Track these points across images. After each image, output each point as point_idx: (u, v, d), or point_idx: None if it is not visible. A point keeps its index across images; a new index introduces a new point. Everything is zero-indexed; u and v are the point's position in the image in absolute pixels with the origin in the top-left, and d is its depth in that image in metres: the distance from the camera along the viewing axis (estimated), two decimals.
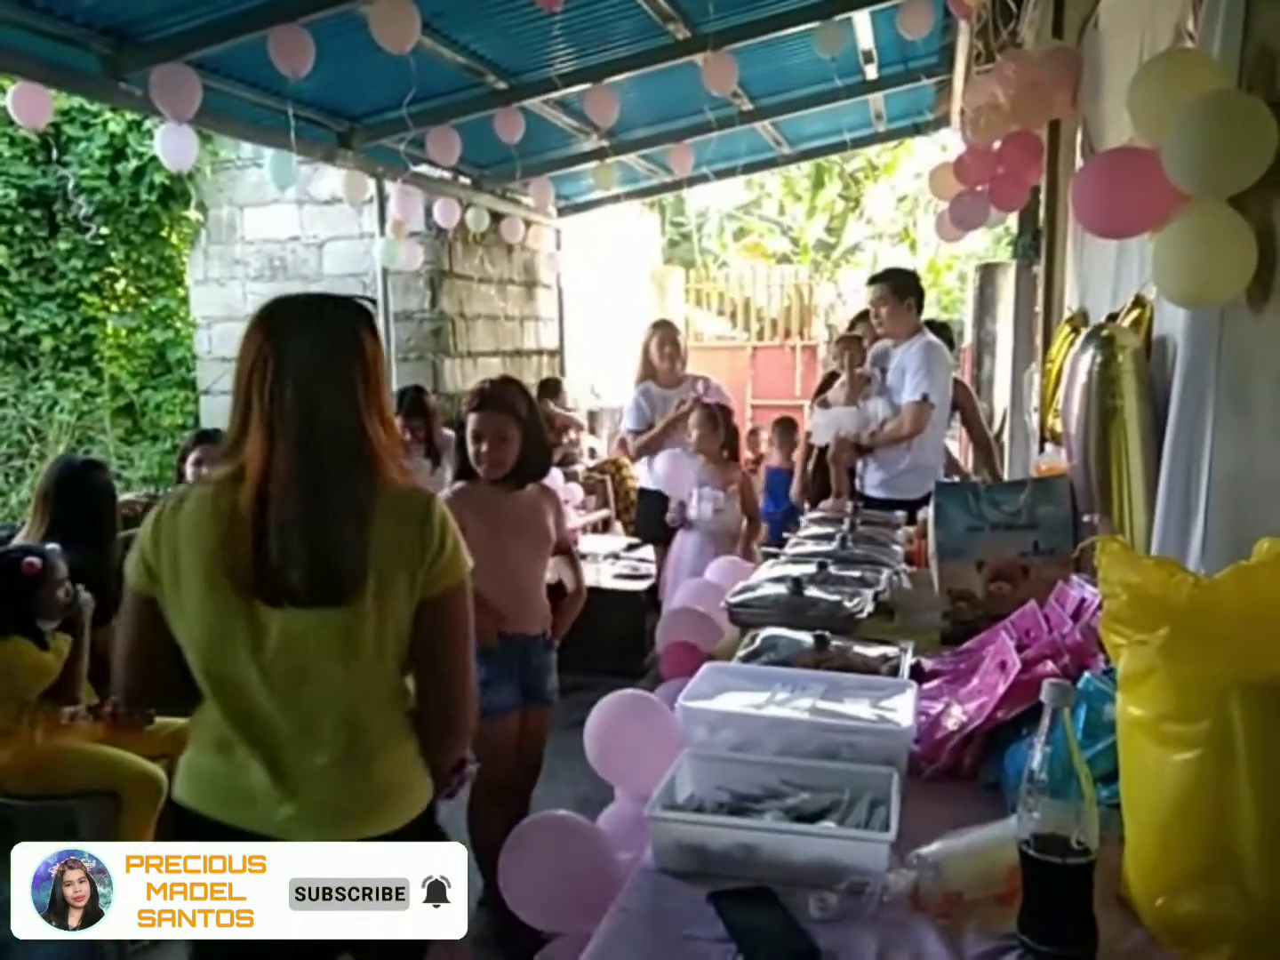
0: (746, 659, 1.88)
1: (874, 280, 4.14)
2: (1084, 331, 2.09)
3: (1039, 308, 4.75)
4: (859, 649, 1.93)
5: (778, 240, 16.25)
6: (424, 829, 1.45)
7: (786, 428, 6.10)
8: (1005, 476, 6.82)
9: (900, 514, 3.40)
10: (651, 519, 4.47)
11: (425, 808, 1.48)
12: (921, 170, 15.62)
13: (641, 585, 4.79)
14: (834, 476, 4.01)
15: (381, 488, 1.42)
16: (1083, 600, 1.79)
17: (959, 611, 2.18)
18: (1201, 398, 1.71)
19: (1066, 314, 3.38)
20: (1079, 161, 3.30)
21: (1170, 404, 1.77)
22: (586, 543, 5.31)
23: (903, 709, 1.54)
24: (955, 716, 1.59)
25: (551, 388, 7.09)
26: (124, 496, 4.22)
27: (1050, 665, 1.60)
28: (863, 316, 5.15)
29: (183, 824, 1.44)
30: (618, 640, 4.58)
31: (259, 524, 1.37)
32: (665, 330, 4.63)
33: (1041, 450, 4.10)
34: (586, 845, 1.47)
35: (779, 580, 2.38)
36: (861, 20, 4.85)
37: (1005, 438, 6.96)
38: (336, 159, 5.06)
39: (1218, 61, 1.57)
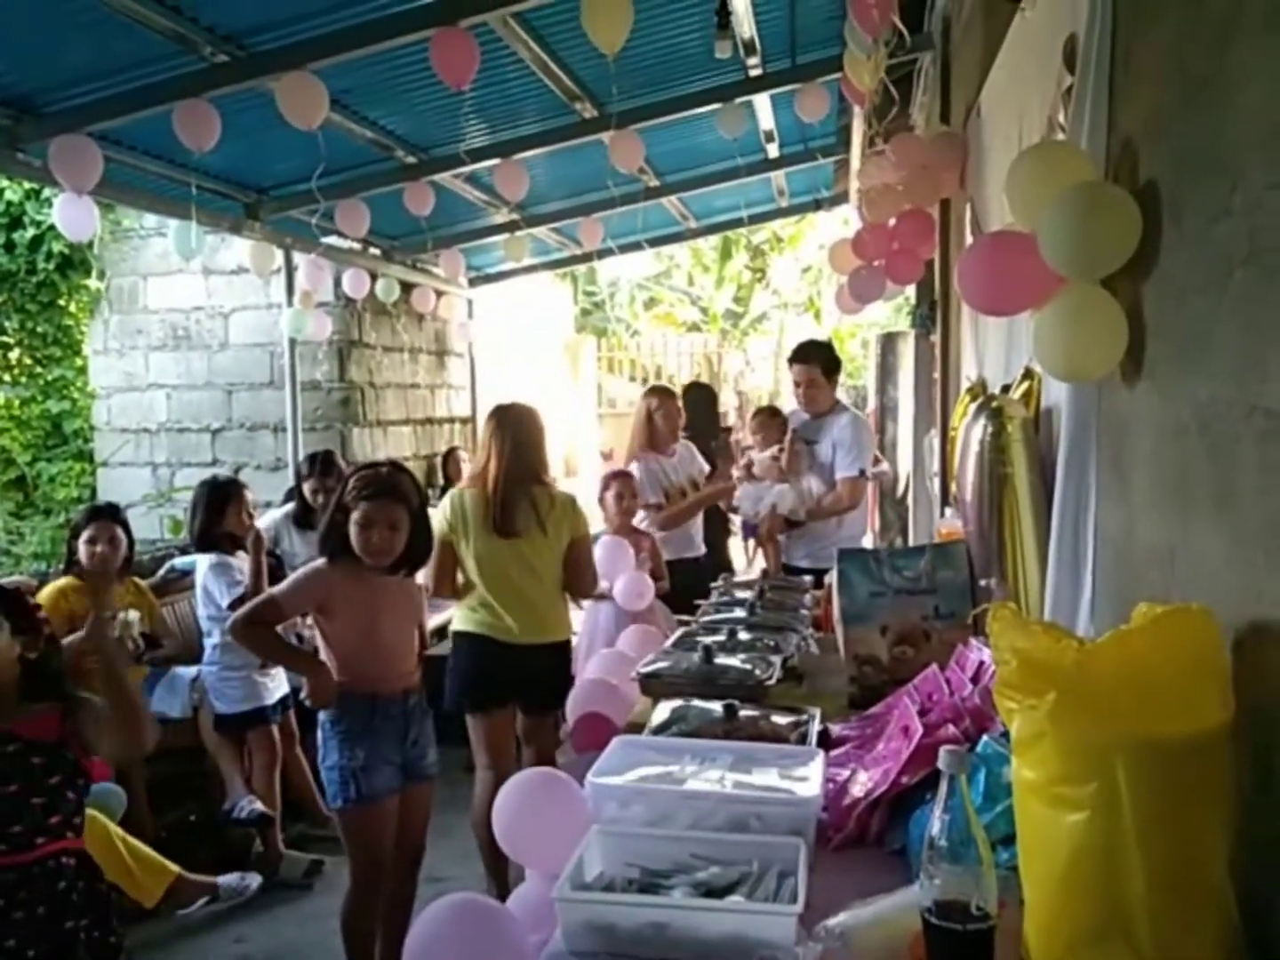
0: (657, 731, 1.88)
1: (803, 359, 4.24)
2: (976, 404, 2.17)
3: (937, 375, 4.93)
4: (768, 717, 1.95)
5: (687, 310, 16.58)
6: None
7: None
8: (910, 538, 7.03)
9: (808, 579, 3.46)
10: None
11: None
12: (824, 242, 16.16)
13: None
14: (766, 552, 4.09)
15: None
16: (981, 663, 1.83)
17: (865, 676, 2.21)
18: (1084, 466, 1.79)
19: (965, 383, 3.50)
20: (968, 238, 3.45)
21: (1056, 472, 1.85)
22: None
23: (810, 778, 1.55)
24: (861, 783, 1.61)
25: (454, 459, 7.06)
26: (12, 578, 4.06)
27: (951, 729, 1.63)
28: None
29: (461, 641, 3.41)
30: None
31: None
32: (671, 397, 4.45)
33: (942, 514, 4.24)
34: (496, 928, 1.43)
35: (690, 648, 2.40)
36: (762, 102, 5.03)
37: (910, 500, 7.16)
38: (243, 230, 5.02)
39: (1086, 152, 1.68)
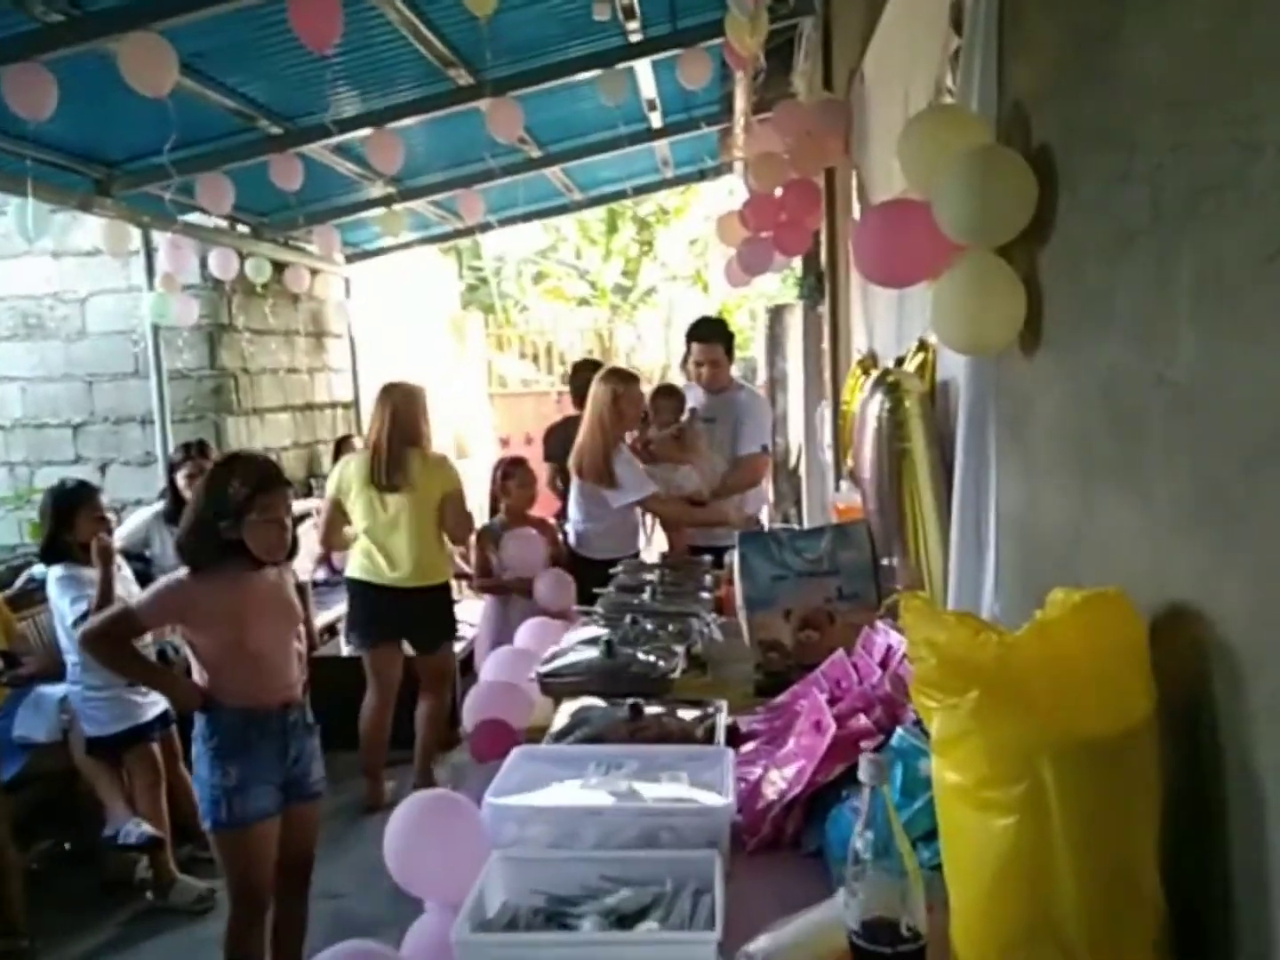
0: (558, 736, 1.79)
1: (706, 338, 4.13)
2: (872, 376, 2.12)
3: (826, 346, 4.94)
4: (674, 713, 1.88)
5: (576, 284, 16.40)
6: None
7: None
8: (805, 509, 7.09)
9: (706, 558, 3.40)
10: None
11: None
12: (710, 214, 16.16)
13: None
14: (673, 537, 3.97)
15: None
16: (889, 648, 1.79)
17: (770, 662, 2.16)
18: (983, 440, 1.75)
19: (856, 355, 3.48)
20: (855, 207, 3.43)
21: (956, 447, 1.81)
22: None
23: (720, 782, 1.47)
24: (775, 783, 1.55)
25: (349, 445, 6.80)
26: None
27: (864, 720, 1.58)
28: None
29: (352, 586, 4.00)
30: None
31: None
32: (634, 382, 3.93)
33: (837, 488, 4.25)
34: None
35: (590, 642, 2.31)
36: (644, 69, 4.92)
37: (801, 471, 7.21)
38: (94, 207, 4.68)
39: (978, 116, 1.62)
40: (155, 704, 3.61)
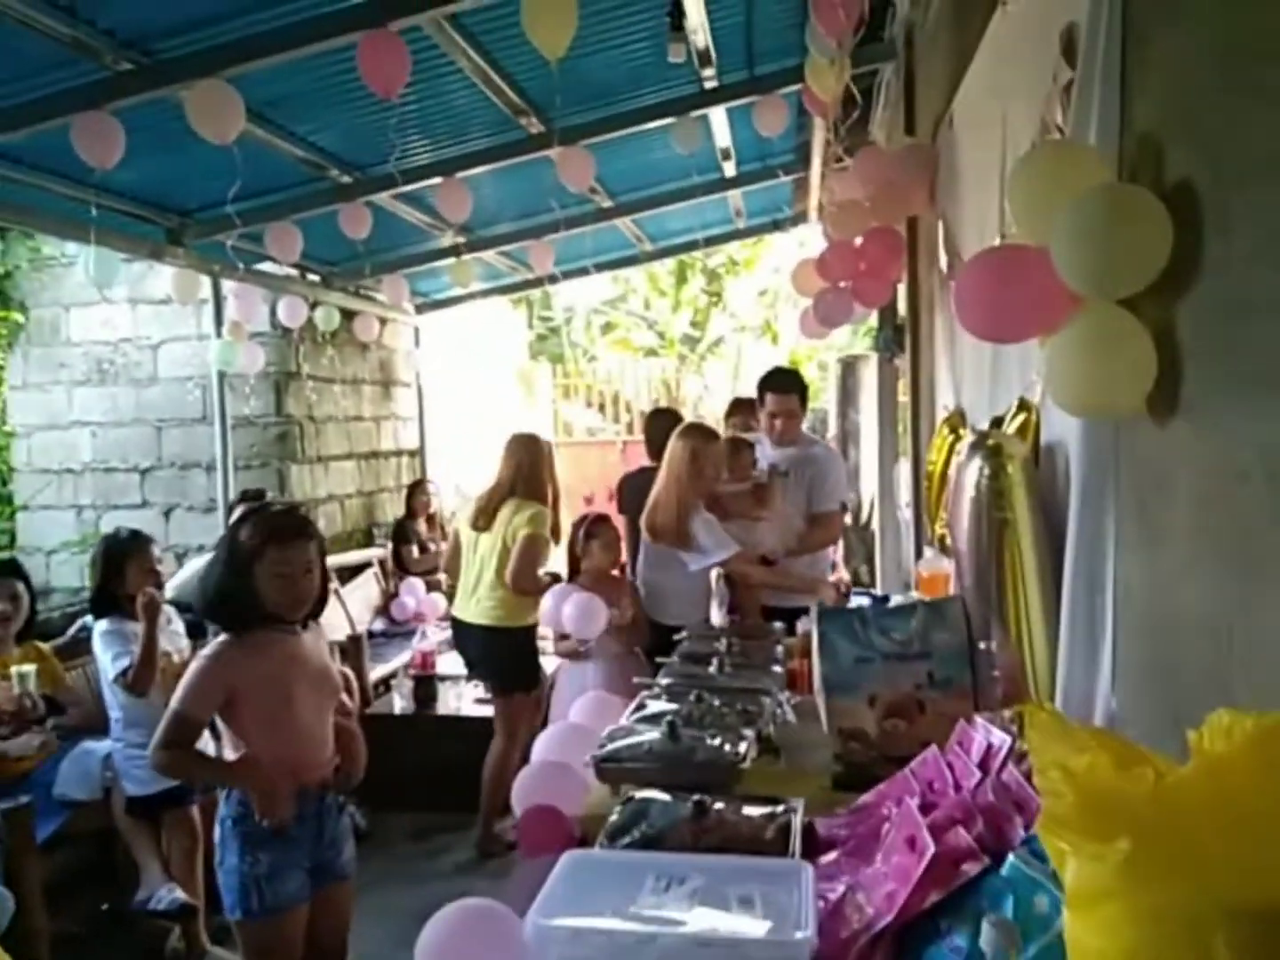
0: (614, 834, 1.61)
1: (783, 389, 3.97)
2: (967, 439, 1.94)
3: (904, 398, 4.75)
4: (742, 810, 1.69)
5: (644, 334, 16.42)
6: None
7: None
8: (878, 566, 6.84)
9: (778, 625, 3.21)
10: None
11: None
12: (780, 265, 16.15)
13: None
14: (744, 598, 3.77)
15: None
16: (989, 746, 1.59)
17: (851, 753, 1.97)
18: (1100, 514, 1.57)
19: (942, 412, 3.32)
20: (942, 257, 3.26)
21: (1068, 520, 1.63)
22: (445, 662, 4.93)
23: (798, 907, 1.28)
24: (860, 908, 1.34)
25: (422, 489, 6.77)
26: None
27: (963, 836, 1.38)
28: (736, 408, 5.07)
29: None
30: (480, 773, 4.20)
31: None
32: (715, 440, 3.77)
33: (920, 555, 4.05)
34: None
35: (652, 720, 2.14)
36: (718, 117, 4.83)
37: (875, 527, 6.97)
38: (166, 256, 4.71)
39: (1099, 152, 1.46)
40: None
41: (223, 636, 2.37)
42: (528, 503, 4.12)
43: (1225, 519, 1.20)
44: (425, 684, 4.57)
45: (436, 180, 4.53)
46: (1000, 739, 1.56)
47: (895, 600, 3.43)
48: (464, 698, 4.70)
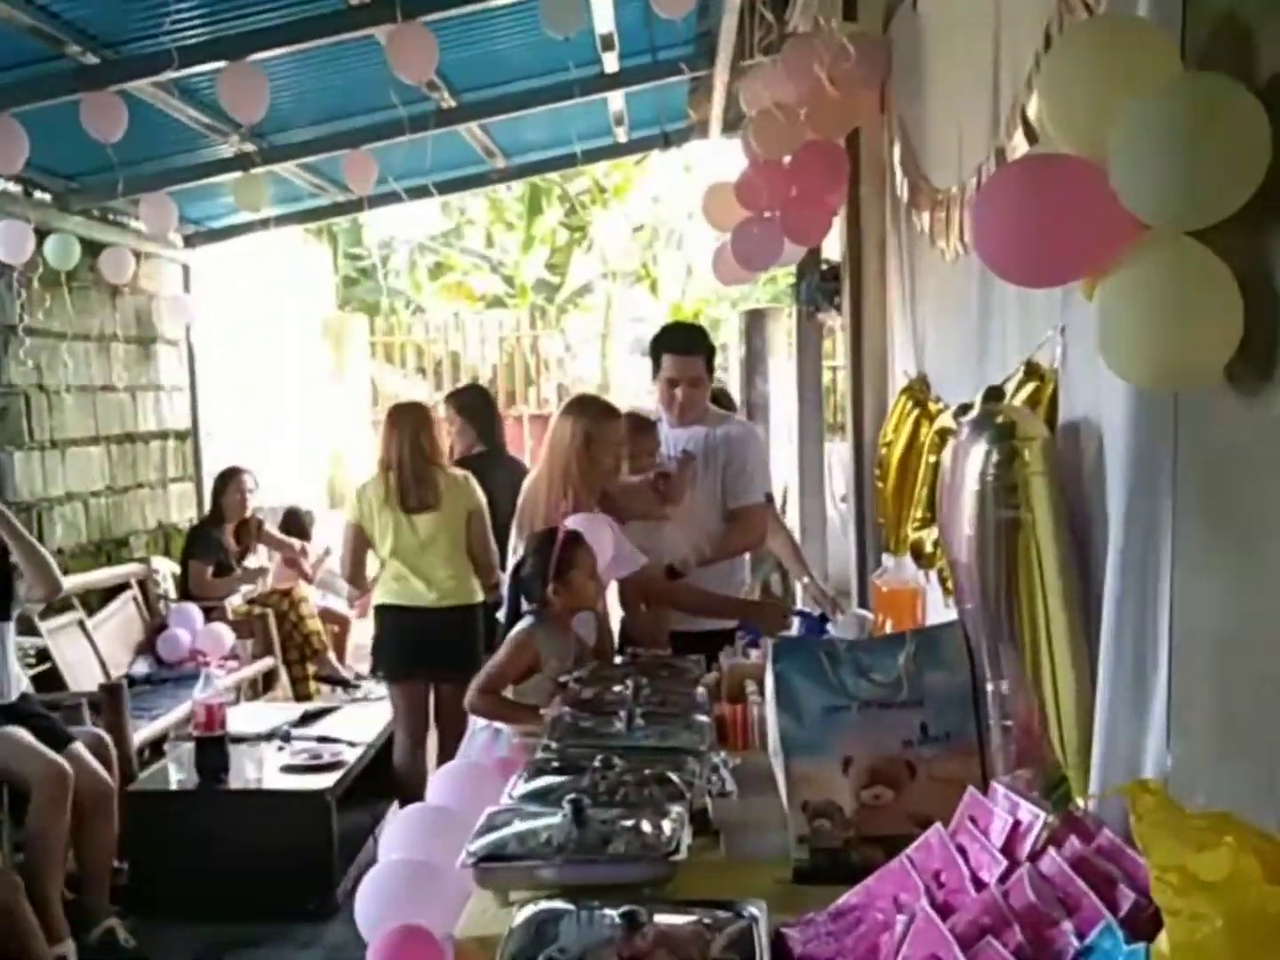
0: None
1: (687, 349, 3.93)
2: (971, 416, 1.91)
3: (837, 363, 4.79)
4: (680, 919, 1.64)
5: (486, 279, 16.31)
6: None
7: None
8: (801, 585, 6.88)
9: (696, 658, 3.16)
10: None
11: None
12: (661, 194, 16.32)
13: (326, 780, 4.28)
14: (647, 623, 3.74)
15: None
16: (1016, 824, 1.55)
17: (820, 834, 1.92)
18: (1153, 515, 1.57)
19: (900, 379, 3.36)
20: (898, 180, 3.27)
21: (1110, 524, 1.63)
22: (238, 717, 4.72)
23: None
24: None
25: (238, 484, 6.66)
26: None
27: (997, 949, 1.32)
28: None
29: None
30: (292, 868, 4.13)
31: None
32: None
33: (863, 561, 4.06)
34: None
35: (545, 798, 2.06)
36: None
37: (792, 524, 7.01)
38: None
39: (1164, 32, 1.43)
40: None
41: None
42: (451, 472, 4.91)
43: None
44: (212, 748, 4.33)
45: (219, 64, 4.36)
46: (1030, 814, 1.52)
47: (840, 621, 3.44)
48: (266, 764, 4.50)
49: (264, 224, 7.27)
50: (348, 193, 6.76)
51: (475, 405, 5.67)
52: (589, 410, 3.60)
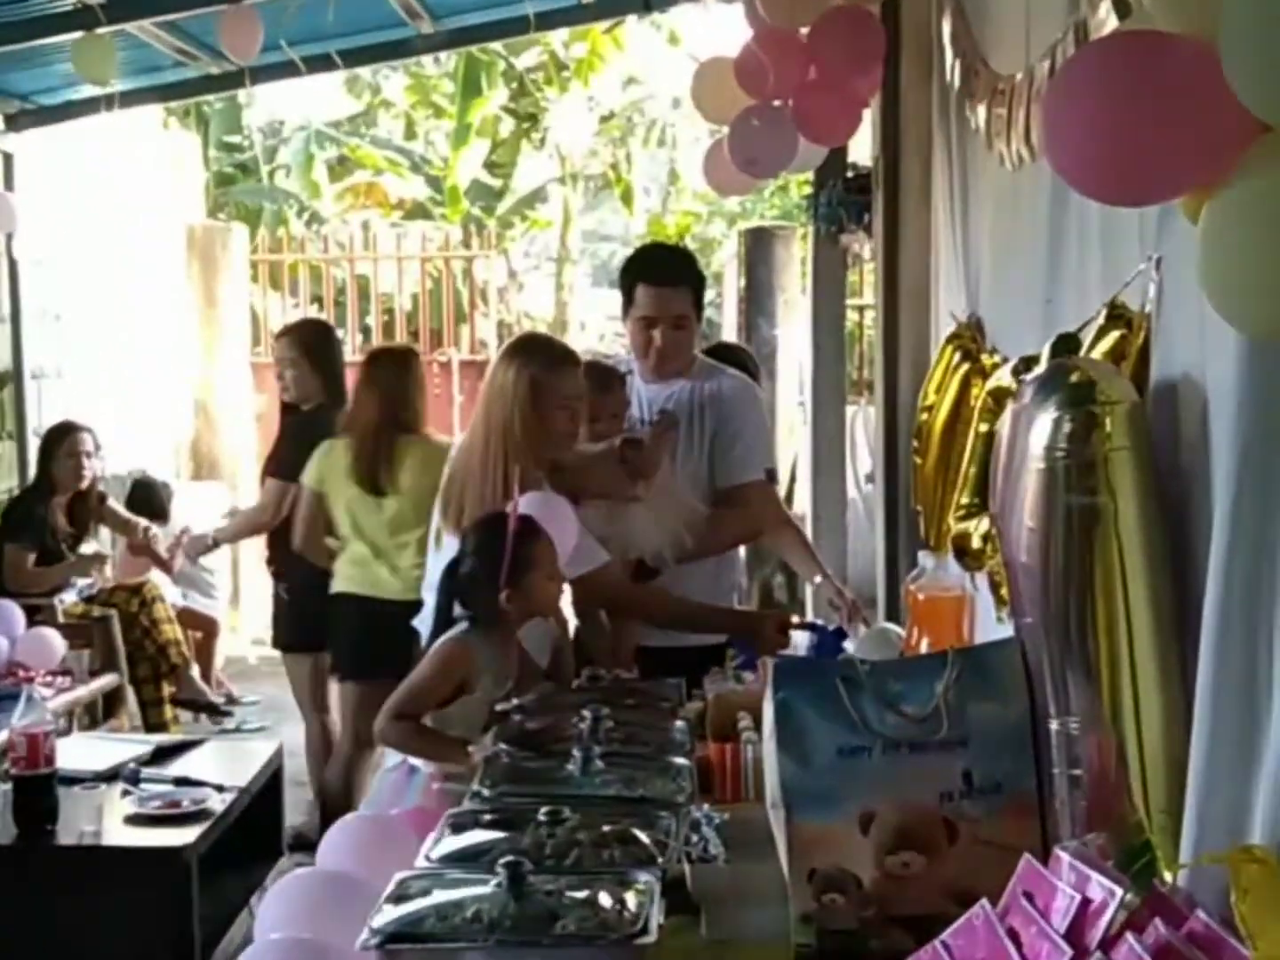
0: None
1: (672, 279, 3.99)
2: (1034, 372, 1.97)
3: (873, 303, 4.82)
4: None
5: (406, 181, 16.31)
6: None
7: None
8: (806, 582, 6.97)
9: (675, 682, 3.22)
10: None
11: None
12: (640, 73, 16.37)
13: (186, 835, 4.29)
14: (610, 638, 3.80)
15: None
16: (1084, 902, 1.58)
17: (830, 913, 1.97)
18: (1272, 508, 1.61)
19: (947, 325, 3.40)
20: (948, 63, 3.31)
21: (1214, 515, 1.69)
22: (69, 751, 4.71)
23: None
24: None
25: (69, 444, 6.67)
26: None
27: None
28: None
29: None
30: (138, 949, 4.17)
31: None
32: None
33: (898, 563, 4.11)
34: None
35: (474, 861, 2.11)
36: None
37: (803, 511, 7.08)
38: None
39: None
40: None
41: None
42: (419, 442, 5.26)
43: None
44: (34, 791, 4.34)
45: None
46: (1103, 888, 1.56)
47: (862, 637, 3.49)
48: (107, 814, 4.51)
49: (111, 102, 7.19)
50: (224, 62, 6.77)
51: (318, 345, 5.88)
52: (537, 355, 3.62)
